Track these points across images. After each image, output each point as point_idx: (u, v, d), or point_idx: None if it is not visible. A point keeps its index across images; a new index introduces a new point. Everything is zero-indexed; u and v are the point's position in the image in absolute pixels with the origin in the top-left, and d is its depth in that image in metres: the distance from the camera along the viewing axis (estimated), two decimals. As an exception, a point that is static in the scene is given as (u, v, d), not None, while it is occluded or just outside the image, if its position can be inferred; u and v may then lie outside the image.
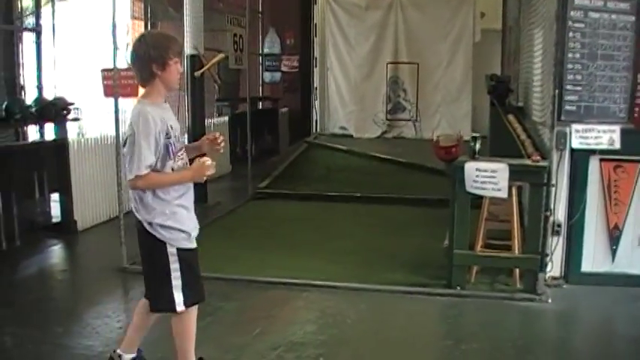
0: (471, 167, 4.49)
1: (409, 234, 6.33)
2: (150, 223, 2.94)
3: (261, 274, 4.95)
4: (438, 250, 5.22)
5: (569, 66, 4.62)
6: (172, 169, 2.96)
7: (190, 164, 3.06)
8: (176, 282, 2.96)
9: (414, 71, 11.14)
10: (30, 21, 7.73)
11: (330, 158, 9.55)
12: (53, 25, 7.80)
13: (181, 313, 3.01)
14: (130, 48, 3.03)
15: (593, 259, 4.78)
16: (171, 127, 2.94)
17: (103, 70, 5.58)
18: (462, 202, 4.60)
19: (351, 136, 11.38)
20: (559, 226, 4.73)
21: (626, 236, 4.72)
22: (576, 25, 4.58)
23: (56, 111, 6.32)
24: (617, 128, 4.54)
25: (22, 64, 7.52)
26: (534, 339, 3.96)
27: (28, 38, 7.57)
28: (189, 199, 3.05)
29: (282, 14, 12.40)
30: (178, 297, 2.97)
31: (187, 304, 3.00)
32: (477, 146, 4.65)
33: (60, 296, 4.90)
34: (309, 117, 12.03)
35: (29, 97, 7.28)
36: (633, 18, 4.55)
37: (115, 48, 5.30)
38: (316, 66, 11.92)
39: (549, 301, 4.45)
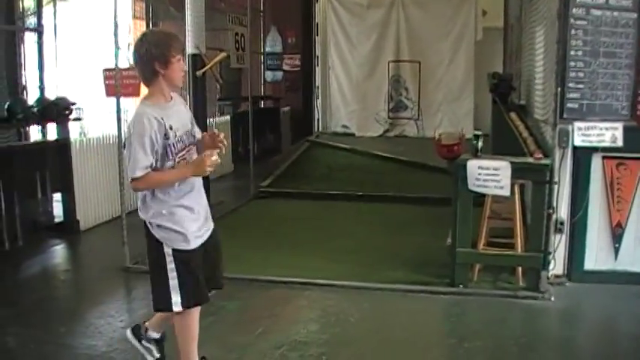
0: (473, 165, 4.49)
1: (411, 232, 6.32)
2: (150, 223, 2.95)
3: (263, 273, 4.95)
4: (440, 249, 5.22)
5: (572, 63, 4.62)
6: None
7: None
8: (173, 282, 2.94)
9: (415, 70, 11.13)
10: (32, 21, 7.75)
11: (332, 157, 9.54)
12: (55, 25, 7.81)
13: (182, 313, 3.00)
14: (132, 48, 3.01)
15: (596, 256, 4.77)
16: (171, 128, 2.88)
17: (105, 70, 5.58)
18: (465, 200, 4.60)
19: (353, 135, 11.38)
20: (562, 223, 4.72)
21: (629, 234, 4.72)
22: (578, 22, 4.57)
23: (58, 111, 6.32)
24: (619, 125, 4.54)
25: (24, 64, 7.54)
26: (537, 337, 3.96)
27: (30, 38, 7.58)
28: (193, 199, 3.00)
29: (283, 13, 12.40)
30: (175, 297, 2.95)
31: (184, 305, 2.97)
32: (479, 144, 4.65)
33: (63, 296, 4.90)
34: (311, 116, 12.02)
35: (31, 97, 7.29)
36: (635, 15, 4.55)
37: (117, 48, 5.30)
38: (318, 65, 11.92)
39: (552, 299, 4.45)
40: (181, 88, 3.24)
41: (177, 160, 2.93)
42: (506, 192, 4.45)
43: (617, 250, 4.74)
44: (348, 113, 11.66)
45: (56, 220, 6.33)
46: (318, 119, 12.01)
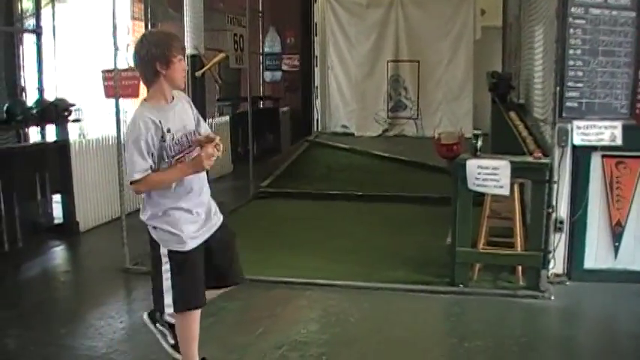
0: (472, 165, 4.49)
1: (411, 232, 6.32)
2: (147, 224, 2.97)
3: (263, 274, 4.93)
4: (440, 248, 5.22)
5: (570, 62, 4.62)
6: None
7: None
8: (166, 283, 2.93)
9: (414, 69, 11.12)
10: (30, 22, 7.73)
11: (331, 157, 9.53)
12: (54, 26, 7.79)
13: (182, 314, 2.99)
14: (132, 50, 3.00)
15: (596, 255, 4.77)
16: (168, 131, 2.86)
17: (104, 71, 5.57)
18: (464, 199, 4.60)
19: (353, 135, 11.36)
20: (561, 222, 4.72)
21: (629, 232, 4.72)
22: (577, 21, 4.58)
23: (57, 112, 6.31)
24: (618, 124, 4.54)
25: (23, 65, 7.53)
26: (537, 336, 3.96)
27: (29, 40, 7.57)
28: (192, 201, 2.97)
29: (282, 13, 12.39)
30: (168, 299, 2.93)
31: (178, 308, 2.94)
32: (479, 143, 4.65)
33: (63, 297, 4.90)
34: (310, 116, 12.00)
35: (30, 98, 7.28)
36: (634, 14, 4.55)
37: (116, 49, 5.30)
38: (317, 65, 11.90)
39: (552, 298, 4.45)
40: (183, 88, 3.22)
41: (172, 162, 2.90)
42: (506, 191, 4.46)
43: (616, 249, 4.75)
44: (348, 113, 11.65)
45: (56, 221, 6.33)
46: (318, 119, 11.99)
